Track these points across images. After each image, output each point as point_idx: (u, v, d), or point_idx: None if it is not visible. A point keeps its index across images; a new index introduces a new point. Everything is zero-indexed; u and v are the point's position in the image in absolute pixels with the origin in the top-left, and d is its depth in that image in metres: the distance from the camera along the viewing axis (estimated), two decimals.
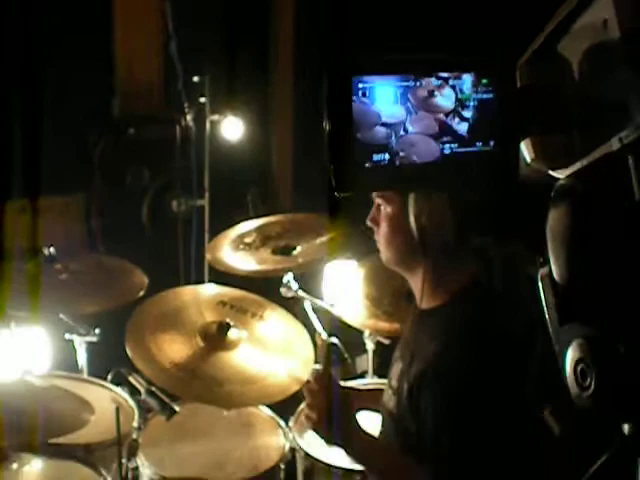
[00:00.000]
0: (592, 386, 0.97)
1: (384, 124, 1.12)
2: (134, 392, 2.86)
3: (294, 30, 4.95)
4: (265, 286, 3.45)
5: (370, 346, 3.37)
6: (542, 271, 1.06)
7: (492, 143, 1.13)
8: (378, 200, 2.18)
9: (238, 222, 3.67)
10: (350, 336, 3.39)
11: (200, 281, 3.95)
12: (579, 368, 0.99)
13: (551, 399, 1.99)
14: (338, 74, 1.11)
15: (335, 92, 1.12)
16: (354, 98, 1.11)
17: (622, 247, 0.95)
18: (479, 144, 1.13)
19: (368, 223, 2.23)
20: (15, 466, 2.54)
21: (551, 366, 1.89)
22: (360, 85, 1.10)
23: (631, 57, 0.97)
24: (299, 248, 3.45)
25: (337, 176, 1.15)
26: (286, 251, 3.45)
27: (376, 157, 1.13)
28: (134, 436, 2.76)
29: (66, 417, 2.17)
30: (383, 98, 1.12)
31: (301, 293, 3.44)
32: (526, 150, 1.11)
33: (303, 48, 4.79)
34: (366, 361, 3.46)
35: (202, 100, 4.13)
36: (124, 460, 2.66)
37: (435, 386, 2.09)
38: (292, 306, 3.39)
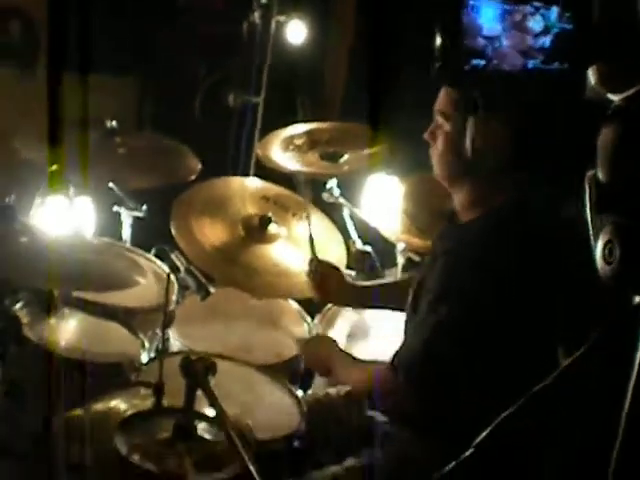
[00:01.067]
0: (615, 261, 1.21)
1: (484, 36, 1.32)
2: (173, 269, 3.00)
3: None
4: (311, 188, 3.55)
5: (400, 260, 3.48)
6: (589, 173, 1.28)
7: (566, 65, 1.32)
8: (439, 117, 2.30)
9: (290, 123, 3.78)
10: (383, 248, 3.53)
11: (246, 175, 4.07)
12: (608, 247, 1.22)
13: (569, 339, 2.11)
14: None
15: (451, 4, 1.30)
16: (464, 11, 1.30)
17: None
18: (556, 64, 1.32)
19: (425, 137, 2.36)
20: (53, 320, 2.70)
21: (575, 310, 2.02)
22: (471, 2, 1.30)
23: None
24: (346, 156, 3.55)
25: (443, 71, 1.33)
26: (333, 158, 3.55)
27: (475, 61, 1.31)
28: (171, 308, 2.92)
29: (118, 274, 2.31)
30: (487, 15, 1.33)
31: (342, 200, 3.57)
32: (592, 74, 1.29)
33: None
34: (394, 274, 3.58)
35: (264, 1, 4.20)
36: (158, 330, 2.82)
37: (434, 278, 2.28)
38: (331, 211, 3.51)
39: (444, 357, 2.20)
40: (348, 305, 3.05)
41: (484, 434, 1.27)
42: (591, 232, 1.28)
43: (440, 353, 2.21)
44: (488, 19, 1.36)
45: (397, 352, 2.32)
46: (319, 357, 2.67)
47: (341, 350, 2.67)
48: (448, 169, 2.33)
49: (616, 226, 1.22)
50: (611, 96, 1.28)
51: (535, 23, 1.37)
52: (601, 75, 1.30)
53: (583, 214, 1.28)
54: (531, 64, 1.36)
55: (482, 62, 1.36)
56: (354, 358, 2.59)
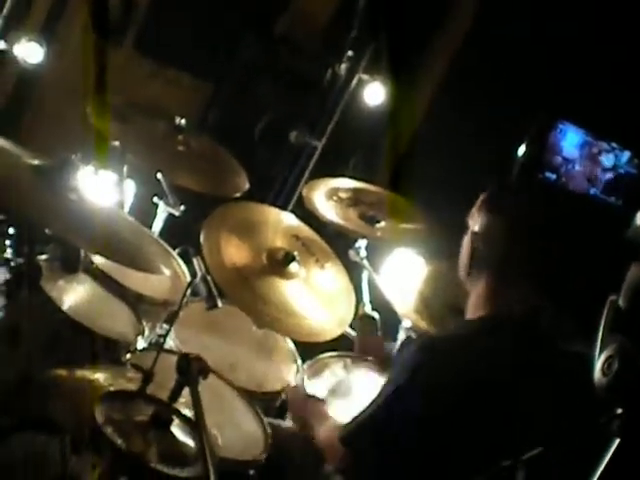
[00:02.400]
0: (611, 375, 1.38)
1: (563, 156, 1.46)
2: (191, 273, 3.07)
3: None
4: (337, 242, 3.63)
5: (401, 336, 3.56)
6: (612, 297, 1.44)
7: (621, 201, 1.47)
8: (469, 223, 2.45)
9: (338, 176, 3.88)
10: (389, 320, 3.60)
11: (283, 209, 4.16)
12: (608, 361, 1.39)
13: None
14: (551, 114, 1.45)
15: (543, 123, 1.45)
16: (553, 131, 1.45)
17: None
18: (613, 198, 1.47)
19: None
20: (62, 282, 2.77)
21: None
22: (560, 125, 1.45)
23: None
24: (383, 223, 3.65)
25: (519, 173, 1.46)
26: (371, 220, 3.64)
27: (547, 174, 1.45)
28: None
29: (147, 257, 2.39)
30: (570, 140, 1.47)
31: (365, 262, 3.65)
32: (639, 216, 1.43)
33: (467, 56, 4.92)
34: (392, 349, 3.64)
35: (350, 54, 4.32)
36: (158, 324, 2.90)
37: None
38: (352, 270, 3.59)
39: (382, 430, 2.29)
40: None
41: None
42: (598, 346, 1.43)
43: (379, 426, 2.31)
44: (570, 144, 1.51)
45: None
46: (303, 410, 2.74)
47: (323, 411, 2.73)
48: (464, 268, 2.47)
49: (621, 345, 1.38)
50: None
51: (607, 159, 1.53)
52: None
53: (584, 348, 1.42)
54: (593, 191, 1.52)
55: (554, 176, 1.51)
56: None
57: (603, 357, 1.38)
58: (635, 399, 1.34)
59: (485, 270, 2.38)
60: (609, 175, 1.34)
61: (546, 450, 1.44)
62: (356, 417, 2.40)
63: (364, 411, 2.38)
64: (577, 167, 1.37)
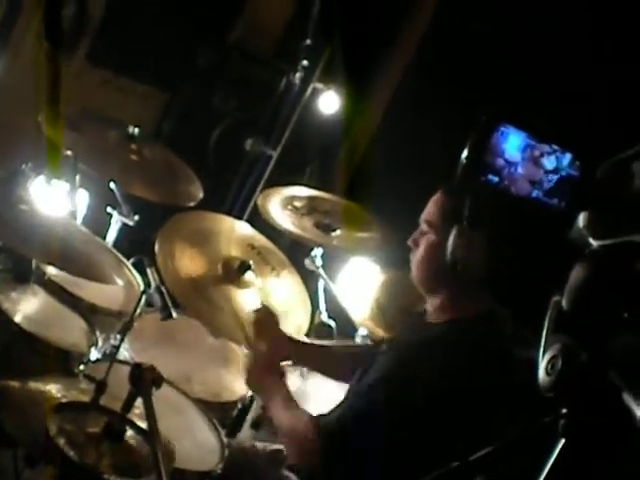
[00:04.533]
0: (554, 374, 1.37)
1: (505, 159, 1.48)
2: (145, 284, 3.05)
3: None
4: (293, 251, 3.63)
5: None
6: (555, 298, 1.44)
7: (563, 204, 1.50)
8: (424, 226, 2.42)
9: (294, 184, 3.88)
10: (345, 328, 3.61)
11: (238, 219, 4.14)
12: (552, 361, 1.39)
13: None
14: (492, 116, 1.47)
15: (485, 125, 1.46)
16: (494, 134, 1.47)
17: (613, 302, 1.38)
18: (555, 200, 1.49)
19: (409, 243, 2.47)
20: (15, 295, 2.74)
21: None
22: (502, 128, 1.47)
23: None
24: (338, 231, 3.65)
25: (461, 176, 1.48)
26: (326, 229, 3.64)
27: (490, 176, 1.48)
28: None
29: (100, 267, 2.37)
30: (512, 142, 1.49)
31: (321, 271, 3.65)
32: (581, 218, 1.47)
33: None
34: None
35: (305, 63, 4.33)
36: (112, 334, 2.87)
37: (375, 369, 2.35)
38: (308, 278, 3.59)
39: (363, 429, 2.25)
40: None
41: None
42: (542, 347, 1.43)
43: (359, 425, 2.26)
44: (512, 146, 1.55)
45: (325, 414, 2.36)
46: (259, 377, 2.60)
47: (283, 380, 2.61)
48: (427, 274, 2.43)
49: (564, 345, 1.38)
50: (592, 240, 1.44)
51: (549, 162, 1.56)
52: (589, 221, 1.46)
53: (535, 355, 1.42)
54: (535, 193, 1.54)
55: (496, 179, 1.54)
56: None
57: (547, 357, 1.38)
58: (578, 398, 1.35)
59: (451, 279, 2.36)
60: (551, 177, 1.38)
61: (493, 451, 1.43)
62: (333, 412, 2.34)
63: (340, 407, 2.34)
64: (519, 170, 1.41)
